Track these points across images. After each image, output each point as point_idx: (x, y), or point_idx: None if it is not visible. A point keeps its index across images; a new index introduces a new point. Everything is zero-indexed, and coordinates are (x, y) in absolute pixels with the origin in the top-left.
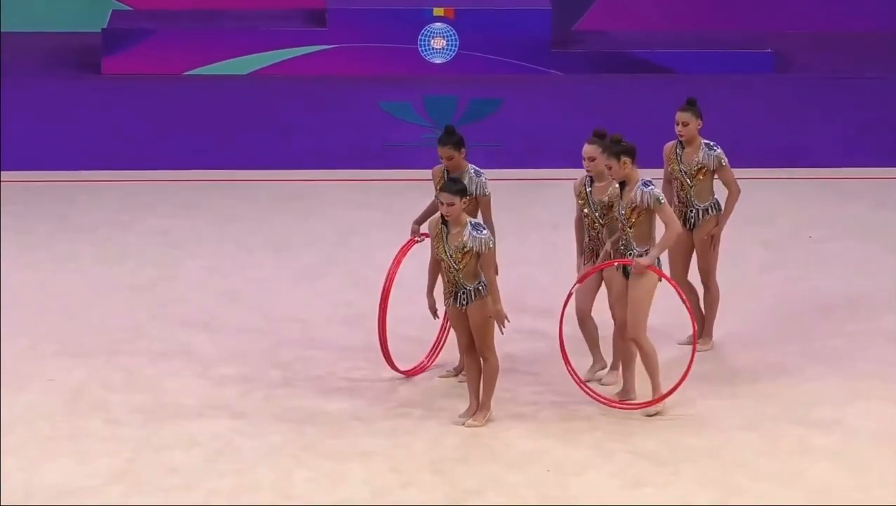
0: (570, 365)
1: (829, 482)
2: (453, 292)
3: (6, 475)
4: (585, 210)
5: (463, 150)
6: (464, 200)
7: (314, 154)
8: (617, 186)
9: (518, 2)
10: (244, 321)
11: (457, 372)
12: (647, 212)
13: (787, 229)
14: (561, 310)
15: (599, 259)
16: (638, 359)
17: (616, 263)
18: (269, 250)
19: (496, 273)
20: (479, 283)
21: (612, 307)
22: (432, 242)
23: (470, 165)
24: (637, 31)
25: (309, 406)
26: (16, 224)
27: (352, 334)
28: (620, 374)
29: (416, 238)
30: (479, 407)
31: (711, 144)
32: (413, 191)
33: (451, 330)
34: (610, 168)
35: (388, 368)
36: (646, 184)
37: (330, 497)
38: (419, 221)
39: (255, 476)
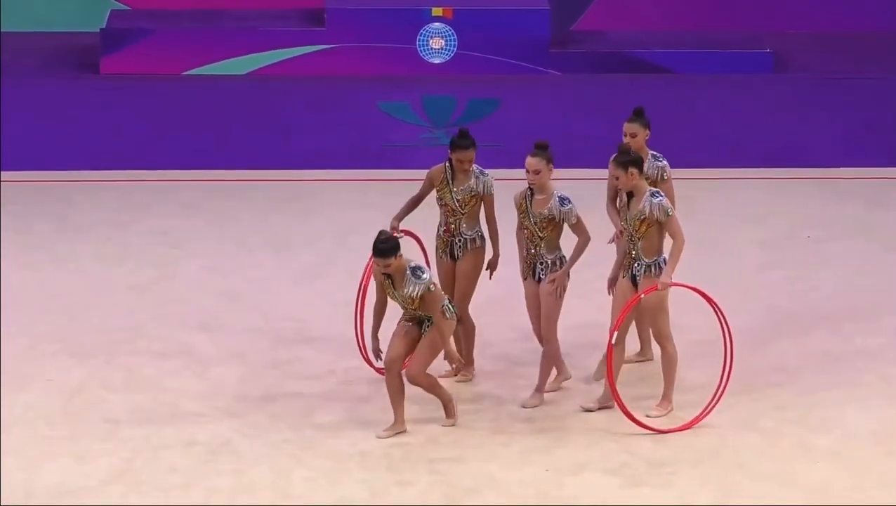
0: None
1: (828, 482)
2: (418, 323)
3: (5, 475)
4: (525, 223)
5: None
6: (398, 255)
7: (313, 154)
8: (557, 199)
9: (517, 2)
10: (244, 321)
11: (455, 371)
12: (656, 223)
13: (785, 229)
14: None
15: (612, 271)
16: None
17: (643, 294)
18: (269, 250)
19: (494, 269)
20: (443, 306)
21: (614, 315)
22: (379, 288)
23: (474, 164)
24: (636, 30)
25: (308, 406)
26: (15, 224)
27: (351, 335)
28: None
29: (396, 234)
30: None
31: (658, 155)
32: (412, 190)
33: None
34: (617, 178)
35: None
36: (654, 195)
37: (328, 497)
38: (399, 218)
39: (254, 476)
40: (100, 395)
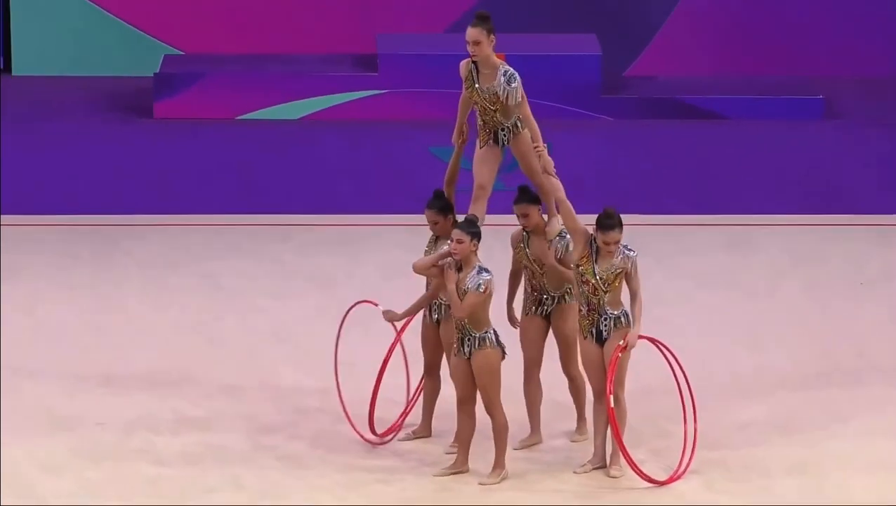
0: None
1: (837, 484)
2: (459, 338)
3: None
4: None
5: (451, 216)
6: (474, 242)
7: (364, 198)
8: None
9: (568, 47)
10: (291, 363)
11: (415, 434)
12: (626, 274)
13: (835, 274)
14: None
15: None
16: None
17: (621, 350)
18: (316, 292)
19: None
20: (486, 331)
21: (591, 378)
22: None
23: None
24: (687, 76)
25: (357, 450)
26: (63, 263)
27: (400, 381)
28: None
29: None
30: (493, 465)
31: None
32: None
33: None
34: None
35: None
36: (628, 248)
37: None
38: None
39: None
40: (145, 437)
